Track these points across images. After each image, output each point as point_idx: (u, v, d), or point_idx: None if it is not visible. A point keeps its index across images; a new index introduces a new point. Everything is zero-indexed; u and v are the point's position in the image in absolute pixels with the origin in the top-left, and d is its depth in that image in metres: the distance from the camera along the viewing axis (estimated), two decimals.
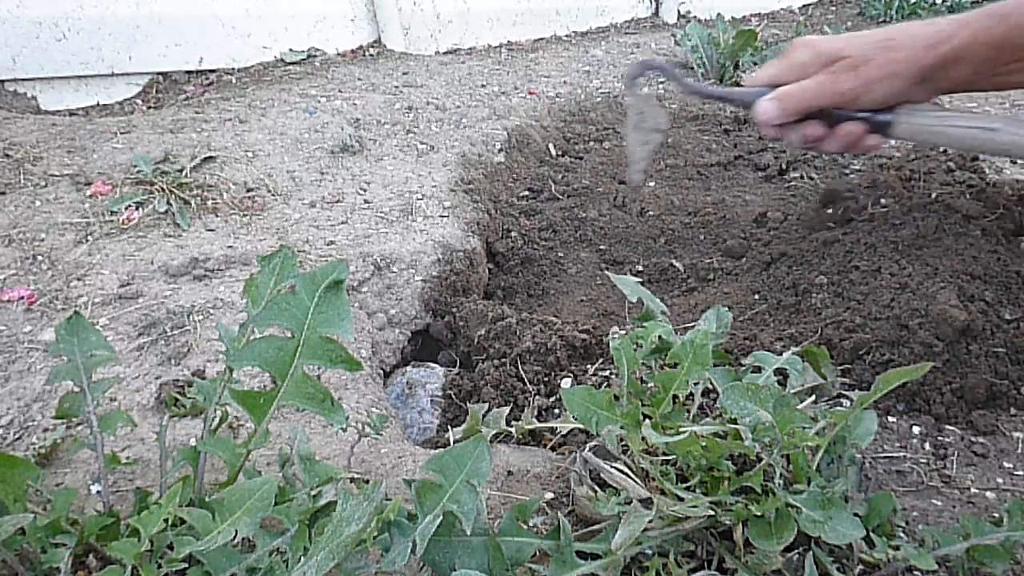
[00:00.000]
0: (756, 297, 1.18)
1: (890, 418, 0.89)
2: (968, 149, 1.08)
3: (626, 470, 0.67)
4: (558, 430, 0.89)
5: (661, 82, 1.22)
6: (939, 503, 0.76)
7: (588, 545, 0.62)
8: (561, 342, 1.06)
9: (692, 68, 2.40)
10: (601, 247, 1.49)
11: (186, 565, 0.55)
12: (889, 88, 0.98)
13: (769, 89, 1.05)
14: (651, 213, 1.56)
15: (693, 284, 1.35)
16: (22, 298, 1.06)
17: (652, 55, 2.68)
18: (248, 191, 1.43)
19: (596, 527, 0.68)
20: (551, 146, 1.92)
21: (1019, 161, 1.28)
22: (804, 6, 3.95)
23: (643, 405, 0.68)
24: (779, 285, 1.16)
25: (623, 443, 0.71)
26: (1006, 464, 0.82)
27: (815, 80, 1.00)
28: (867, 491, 0.75)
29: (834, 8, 3.86)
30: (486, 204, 1.54)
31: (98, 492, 0.75)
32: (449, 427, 0.93)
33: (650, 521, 0.58)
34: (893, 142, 1.09)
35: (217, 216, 1.34)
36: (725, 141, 1.94)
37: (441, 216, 1.42)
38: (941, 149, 1.52)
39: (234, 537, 0.53)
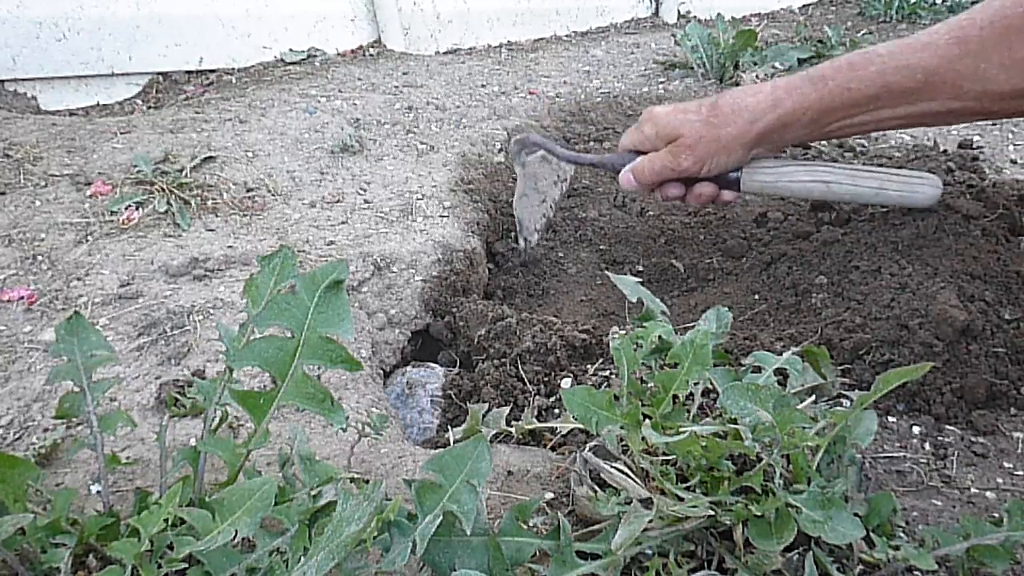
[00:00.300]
0: (756, 297, 1.18)
1: (890, 418, 0.89)
2: (809, 199, 1.21)
3: (626, 470, 0.67)
4: (558, 430, 0.89)
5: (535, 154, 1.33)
6: (939, 503, 0.76)
7: (588, 545, 0.62)
8: (561, 342, 1.06)
9: (692, 68, 2.40)
10: (601, 247, 1.49)
11: (186, 565, 0.55)
12: (724, 160, 1.09)
13: (631, 155, 1.17)
14: (651, 213, 1.56)
15: (693, 284, 1.35)
16: (22, 298, 1.06)
17: (651, 54, 2.68)
18: (248, 191, 1.43)
19: (596, 527, 0.68)
20: None
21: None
22: (804, 6, 3.95)
23: (643, 405, 0.68)
24: (779, 285, 1.16)
25: (623, 443, 0.71)
26: (1006, 464, 0.82)
27: (660, 157, 1.11)
28: (867, 491, 0.75)
29: (834, 8, 3.86)
30: (486, 204, 1.54)
31: (98, 492, 0.75)
32: (449, 427, 0.93)
33: (650, 521, 0.58)
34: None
35: (217, 216, 1.34)
36: None
37: (441, 216, 1.42)
38: (941, 148, 1.52)
39: (234, 537, 0.53)
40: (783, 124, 1.03)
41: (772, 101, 1.02)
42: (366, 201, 1.45)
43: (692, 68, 2.40)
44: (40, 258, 1.16)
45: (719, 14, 2.63)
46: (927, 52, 0.94)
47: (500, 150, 1.76)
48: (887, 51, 0.97)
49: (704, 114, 1.06)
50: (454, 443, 0.79)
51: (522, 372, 1.05)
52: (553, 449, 0.89)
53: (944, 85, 0.93)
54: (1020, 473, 0.81)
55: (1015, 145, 1.79)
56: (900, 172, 1.12)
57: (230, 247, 1.24)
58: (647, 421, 0.66)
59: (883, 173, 1.12)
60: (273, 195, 1.44)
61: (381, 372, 1.15)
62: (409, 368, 1.16)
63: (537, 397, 1.00)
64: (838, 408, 0.73)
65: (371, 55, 2.45)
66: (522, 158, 1.36)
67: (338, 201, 1.44)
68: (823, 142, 1.63)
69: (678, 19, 3.47)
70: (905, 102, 0.97)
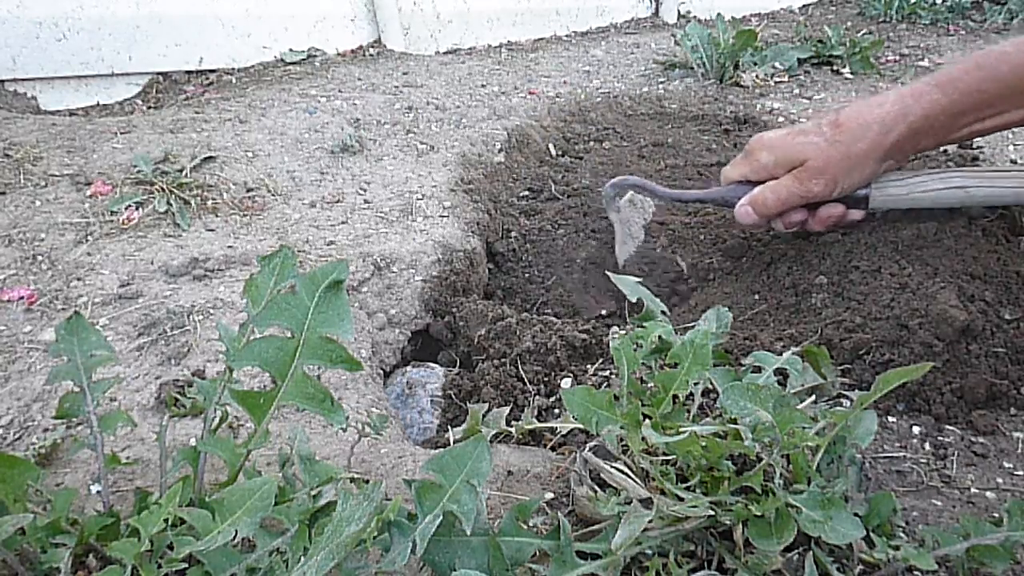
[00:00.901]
0: (756, 297, 1.18)
1: (890, 418, 0.89)
2: (945, 207, 1.16)
3: (626, 470, 0.67)
4: (558, 430, 0.89)
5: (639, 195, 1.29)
6: (939, 503, 0.76)
7: (588, 545, 0.62)
8: (561, 342, 1.06)
9: (692, 68, 2.40)
10: (601, 247, 1.49)
11: (186, 565, 0.55)
12: (857, 179, 1.04)
13: (742, 186, 1.12)
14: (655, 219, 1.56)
15: (693, 284, 1.35)
16: (22, 298, 1.06)
17: (651, 54, 2.68)
18: (248, 191, 1.43)
19: (596, 527, 0.68)
20: (551, 146, 1.92)
21: None
22: (804, 6, 3.95)
23: (643, 405, 0.68)
24: (779, 285, 1.16)
25: (623, 443, 0.71)
26: (1006, 464, 0.82)
27: (784, 184, 1.05)
28: (867, 491, 0.75)
29: (834, 8, 3.86)
30: (486, 204, 1.54)
31: (98, 492, 0.75)
32: (449, 427, 0.93)
33: (650, 521, 0.58)
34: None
35: (217, 216, 1.34)
36: (725, 141, 1.93)
37: (441, 216, 1.42)
38: (942, 148, 1.52)
39: (234, 537, 0.53)
40: (915, 132, 0.99)
41: (901, 110, 0.98)
42: (366, 201, 1.45)
43: (692, 68, 2.40)
44: (40, 258, 1.16)
45: (719, 14, 2.63)
46: None
47: (500, 150, 1.76)
48: (1015, 49, 0.93)
49: (828, 134, 1.01)
50: (454, 443, 0.79)
51: (522, 372, 1.04)
52: (553, 449, 0.89)
53: None
54: (1020, 473, 0.81)
55: (1015, 145, 1.79)
56: None
57: (230, 247, 1.24)
58: (647, 421, 0.66)
59: (1019, 172, 1.07)
60: (273, 195, 1.44)
61: (381, 372, 1.15)
62: (409, 368, 1.16)
63: (537, 397, 1.00)
64: (838, 408, 0.73)
65: (371, 55, 2.45)
66: (616, 204, 1.31)
67: (338, 201, 1.44)
68: None
69: (678, 19, 3.47)
70: None
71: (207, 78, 2.14)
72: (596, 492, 0.68)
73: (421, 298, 1.26)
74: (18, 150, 1.43)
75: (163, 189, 1.35)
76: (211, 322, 1.05)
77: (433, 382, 1.11)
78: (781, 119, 2.04)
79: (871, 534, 0.63)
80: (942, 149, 1.53)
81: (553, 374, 1.04)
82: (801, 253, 1.20)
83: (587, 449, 0.74)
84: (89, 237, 1.22)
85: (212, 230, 1.30)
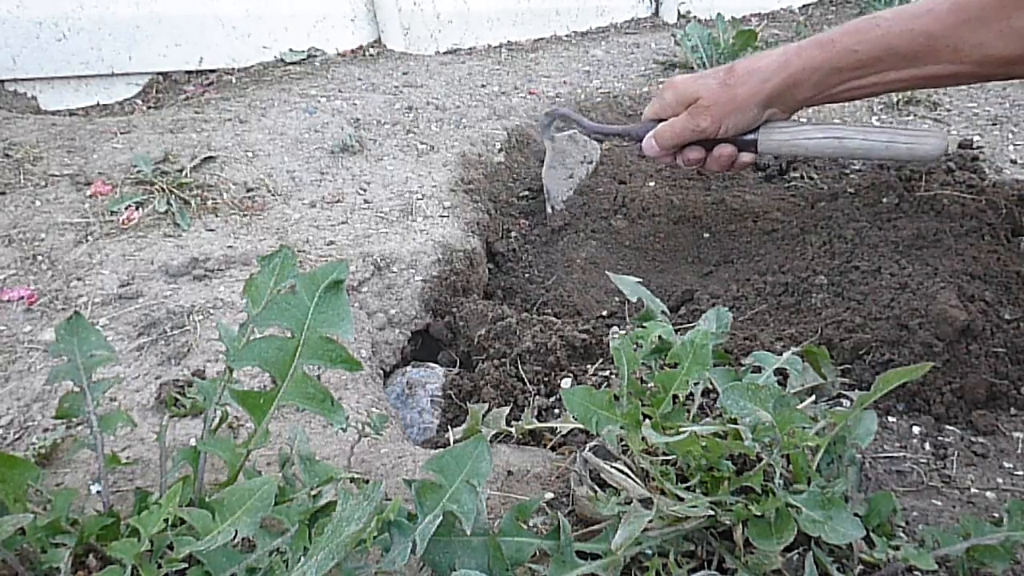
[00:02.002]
0: (756, 297, 1.18)
1: (890, 418, 0.89)
2: (823, 156, 1.30)
3: (626, 470, 0.67)
4: (558, 430, 0.89)
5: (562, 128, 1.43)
6: (939, 503, 0.76)
7: (588, 545, 0.62)
8: (561, 342, 1.06)
9: (692, 68, 2.40)
10: (601, 247, 1.49)
11: (186, 565, 0.55)
12: (739, 120, 1.14)
13: (653, 123, 1.23)
14: (651, 213, 1.56)
15: (693, 283, 1.35)
16: (22, 298, 1.06)
17: (651, 55, 2.68)
18: (248, 191, 1.43)
19: (596, 527, 0.68)
20: None
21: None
22: (804, 6, 3.95)
23: (643, 405, 0.68)
24: (779, 285, 1.16)
25: (623, 443, 0.71)
26: (1006, 464, 0.82)
27: (680, 120, 1.17)
28: (867, 491, 0.75)
29: (834, 8, 3.86)
30: (486, 204, 1.54)
31: (98, 492, 0.75)
32: (449, 427, 0.93)
33: (650, 521, 0.58)
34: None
35: (217, 216, 1.34)
36: None
37: (441, 216, 1.42)
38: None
39: (234, 537, 0.53)
40: (793, 83, 1.08)
41: (782, 62, 1.08)
42: (366, 201, 1.45)
43: (692, 68, 2.40)
44: (40, 258, 1.16)
45: (719, 14, 2.63)
46: (928, 18, 0.98)
47: (500, 150, 1.76)
48: (892, 15, 1.02)
49: (721, 77, 1.12)
50: (454, 443, 0.79)
51: (522, 372, 1.04)
52: (553, 449, 0.89)
53: (946, 50, 0.98)
54: (1020, 473, 0.81)
55: (1015, 145, 1.79)
56: (908, 127, 1.16)
57: (230, 247, 1.24)
58: (647, 421, 0.66)
59: (892, 129, 1.17)
60: (273, 195, 1.44)
61: (381, 372, 1.15)
62: (409, 368, 1.16)
63: (537, 397, 1.00)
64: (838, 408, 0.73)
65: (371, 55, 2.45)
66: (550, 132, 1.43)
67: (338, 201, 1.44)
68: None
69: (678, 19, 3.47)
70: (909, 65, 1.02)
71: (207, 78, 2.14)
72: (596, 492, 0.68)
73: (421, 298, 1.26)
74: (18, 150, 1.43)
75: (163, 189, 1.35)
76: (211, 322, 1.05)
77: (433, 382, 1.11)
78: None
79: (871, 534, 0.63)
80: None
81: (553, 374, 1.04)
82: (801, 253, 1.20)
83: (587, 449, 0.74)
84: (89, 237, 1.22)
85: (212, 230, 1.30)
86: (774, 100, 1.12)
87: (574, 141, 1.44)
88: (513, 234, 1.51)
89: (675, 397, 0.70)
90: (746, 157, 1.20)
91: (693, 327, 0.76)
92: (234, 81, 2.12)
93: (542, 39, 3.02)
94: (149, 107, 1.98)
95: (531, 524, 0.70)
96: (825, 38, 1.06)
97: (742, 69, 1.11)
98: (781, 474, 0.62)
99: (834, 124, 1.19)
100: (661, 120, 1.21)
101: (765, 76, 1.09)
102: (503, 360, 1.07)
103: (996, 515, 0.73)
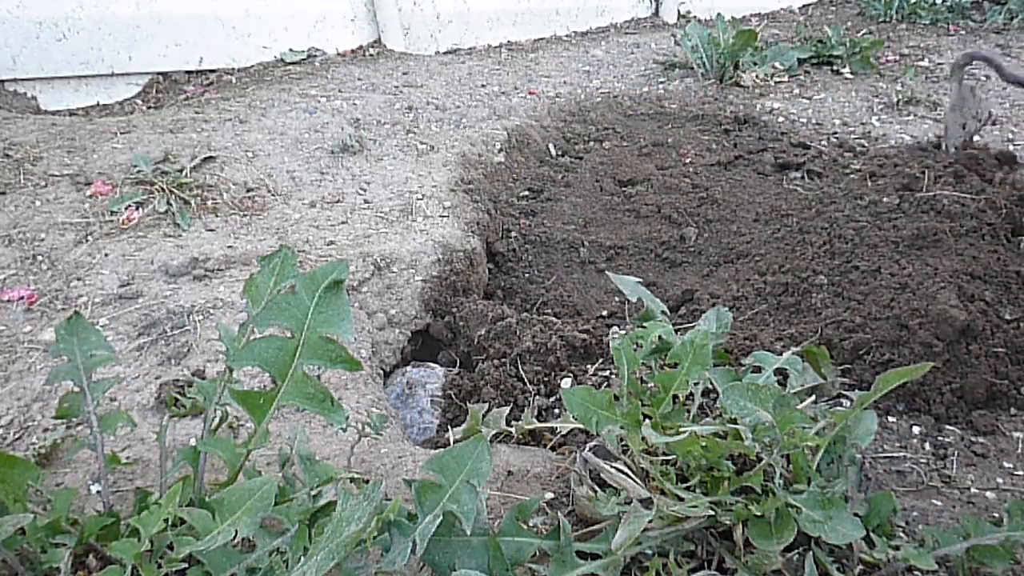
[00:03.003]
0: (756, 297, 1.18)
1: (890, 418, 0.89)
2: None
3: (626, 470, 0.67)
4: (558, 430, 0.89)
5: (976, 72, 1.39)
6: (939, 503, 0.76)
7: (588, 545, 0.62)
8: (561, 342, 1.06)
9: (692, 68, 2.40)
10: (602, 247, 1.49)
11: (186, 565, 0.55)
12: None
13: None
14: (651, 213, 1.56)
15: (693, 283, 1.35)
16: (22, 298, 1.06)
17: (651, 55, 2.68)
18: (248, 191, 1.43)
19: (596, 527, 0.68)
20: (551, 146, 1.92)
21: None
22: (804, 6, 3.95)
23: (643, 405, 0.68)
24: (779, 285, 1.16)
25: (623, 443, 0.71)
26: (1006, 464, 0.82)
27: None
28: (867, 491, 0.75)
29: (834, 8, 3.86)
30: (486, 204, 1.54)
31: (98, 492, 0.75)
32: (449, 427, 0.93)
33: (650, 521, 0.58)
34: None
35: (217, 216, 1.34)
36: (725, 141, 1.94)
37: (441, 216, 1.42)
38: (933, 147, 1.53)
39: (234, 537, 0.53)
40: None
41: None
42: (366, 201, 1.45)
43: (692, 68, 2.40)
44: (40, 258, 1.16)
45: (719, 14, 2.63)
46: None
47: (500, 150, 1.76)
48: None
49: None
50: (454, 443, 0.79)
51: (522, 372, 1.05)
52: (553, 449, 0.89)
53: None
54: (1020, 473, 0.81)
55: (1015, 145, 1.79)
56: None
57: (230, 247, 1.24)
58: (647, 421, 0.66)
59: None
60: (273, 195, 1.44)
61: (381, 372, 1.15)
62: (409, 368, 1.16)
63: (537, 397, 1.00)
64: (838, 408, 0.73)
65: (371, 55, 2.45)
66: (959, 74, 1.39)
67: (338, 201, 1.44)
68: (822, 143, 1.62)
69: (678, 19, 3.47)
70: None
71: (207, 78, 2.14)
72: (596, 492, 0.68)
73: (421, 298, 1.26)
74: (18, 150, 1.43)
75: (163, 189, 1.35)
76: (211, 322, 1.05)
77: (433, 382, 1.11)
78: (781, 119, 2.04)
79: (871, 534, 0.63)
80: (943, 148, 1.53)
81: (553, 374, 1.04)
82: (801, 253, 1.20)
83: (587, 449, 0.74)
84: (89, 237, 1.22)
85: (212, 230, 1.30)
86: None
87: (973, 95, 1.43)
88: (513, 234, 1.51)
89: (675, 397, 0.70)
90: None
91: (693, 327, 0.76)
92: (234, 81, 2.12)
93: (542, 39, 3.02)
94: (149, 107, 1.98)
95: (531, 524, 0.70)
96: None
97: None
98: (781, 474, 0.62)
99: None
100: None
101: None
102: (503, 360, 1.07)
103: (996, 515, 0.73)
